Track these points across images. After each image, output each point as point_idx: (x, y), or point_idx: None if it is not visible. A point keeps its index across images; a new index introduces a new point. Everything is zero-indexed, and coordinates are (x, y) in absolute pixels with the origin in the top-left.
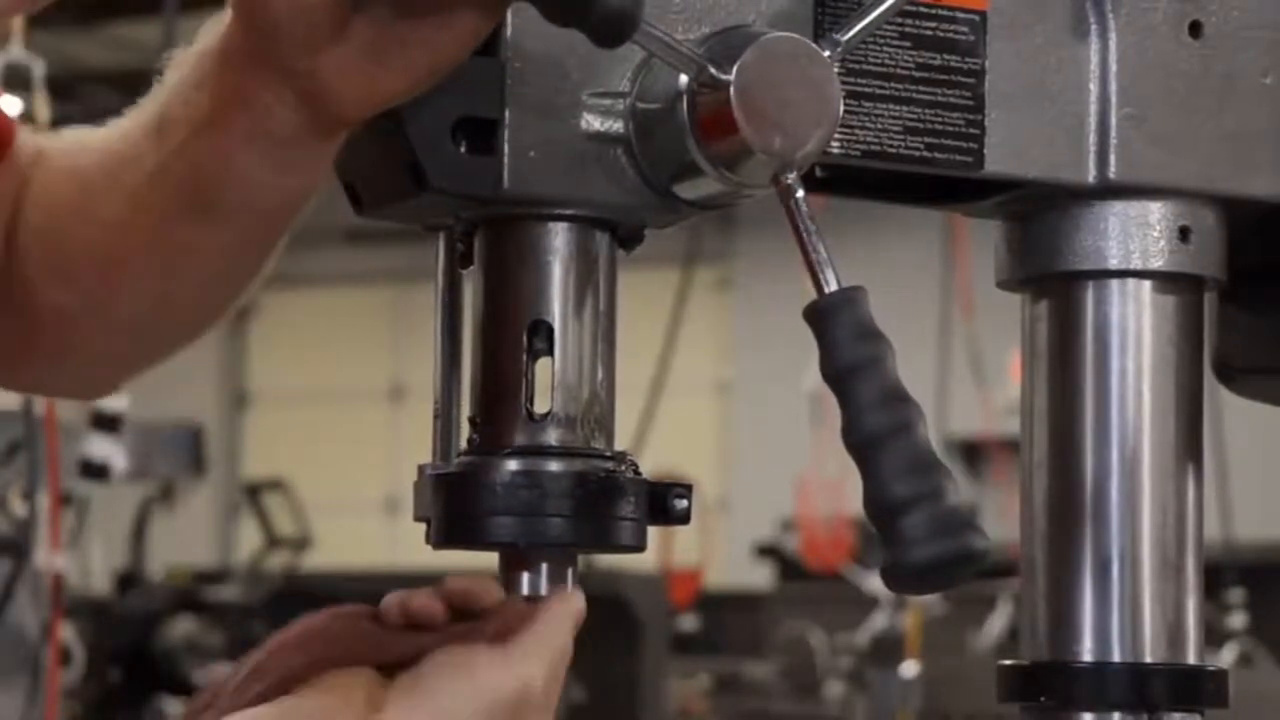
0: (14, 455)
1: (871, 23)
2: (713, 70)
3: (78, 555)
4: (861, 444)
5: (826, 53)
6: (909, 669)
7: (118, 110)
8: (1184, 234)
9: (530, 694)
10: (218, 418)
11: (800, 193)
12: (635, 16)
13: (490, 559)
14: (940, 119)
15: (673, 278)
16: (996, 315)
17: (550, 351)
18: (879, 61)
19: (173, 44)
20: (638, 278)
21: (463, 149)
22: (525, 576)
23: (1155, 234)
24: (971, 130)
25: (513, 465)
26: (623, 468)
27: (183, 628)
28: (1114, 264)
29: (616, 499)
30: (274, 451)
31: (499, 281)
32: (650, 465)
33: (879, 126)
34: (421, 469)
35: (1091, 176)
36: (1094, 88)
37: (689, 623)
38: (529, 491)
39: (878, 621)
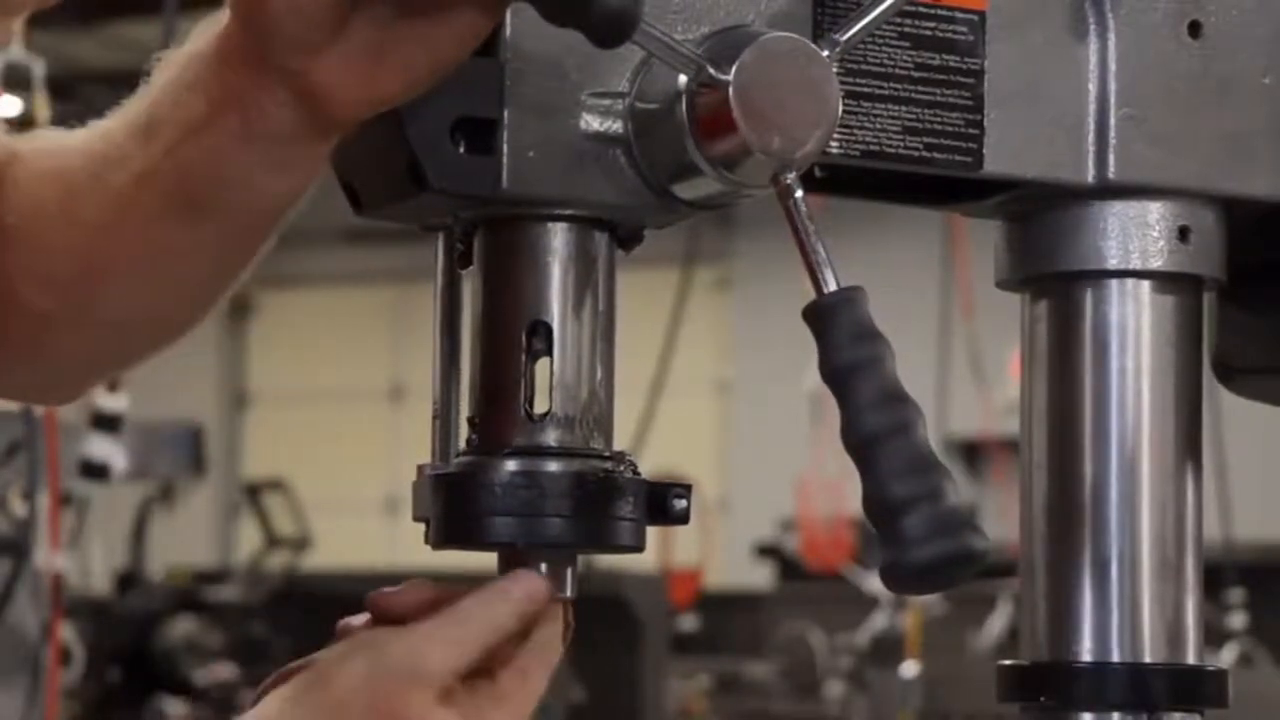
0: (14, 455)
1: (870, 23)
2: (712, 70)
3: (78, 555)
4: (860, 444)
5: (825, 53)
6: (909, 669)
7: None
8: (1183, 234)
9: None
10: (217, 418)
11: (799, 193)
12: (634, 16)
13: (489, 559)
14: (939, 119)
15: (672, 278)
16: (996, 315)
17: (549, 352)
18: (878, 61)
19: (173, 44)
20: (637, 278)
21: (462, 149)
22: None
23: (1154, 234)
24: (971, 130)
25: (512, 465)
26: (622, 468)
27: (183, 628)
28: (1113, 264)
29: (615, 499)
30: (274, 451)
31: (498, 282)
32: (650, 465)
33: (878, 126)
34: (421, 469)
35: (1091, 176)
36: (1093, 88)
37: (689, 623)
38: (528, 492)
39: (878, 621)
